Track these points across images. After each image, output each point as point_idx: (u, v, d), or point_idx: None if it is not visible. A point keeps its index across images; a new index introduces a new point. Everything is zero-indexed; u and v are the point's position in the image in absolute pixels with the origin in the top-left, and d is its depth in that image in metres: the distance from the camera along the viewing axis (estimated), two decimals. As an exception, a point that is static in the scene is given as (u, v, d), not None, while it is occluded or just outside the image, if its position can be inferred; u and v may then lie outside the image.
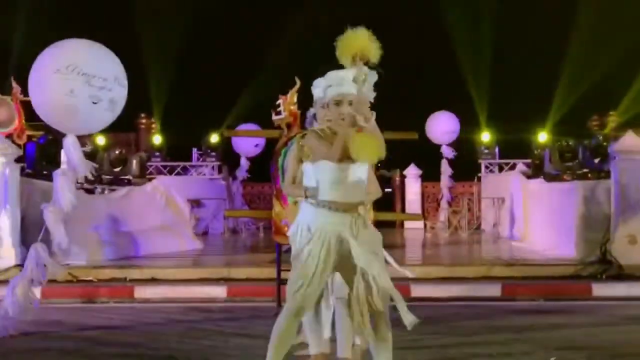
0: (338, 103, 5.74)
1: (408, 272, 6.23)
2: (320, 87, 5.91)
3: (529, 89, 27.26)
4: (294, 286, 5.69)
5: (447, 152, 22.38)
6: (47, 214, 8.87)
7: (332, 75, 5.81)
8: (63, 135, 8.89)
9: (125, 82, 8.74)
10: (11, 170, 12.63)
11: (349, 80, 5.68)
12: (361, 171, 5.75)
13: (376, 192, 6.12)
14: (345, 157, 5.62)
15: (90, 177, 9.79)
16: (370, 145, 5.57)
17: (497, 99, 26.40)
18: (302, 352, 6.92)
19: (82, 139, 16.17)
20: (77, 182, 14.97)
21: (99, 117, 8.63)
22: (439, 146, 22.55)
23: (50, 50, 8.61)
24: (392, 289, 5.63)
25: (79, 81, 8.25)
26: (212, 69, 28.09)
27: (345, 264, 5.70)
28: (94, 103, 8.38)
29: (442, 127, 22.33)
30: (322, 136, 5.75)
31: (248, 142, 22.75)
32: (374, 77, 5.86)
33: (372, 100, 6.31)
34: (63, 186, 8.86)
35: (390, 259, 6.01)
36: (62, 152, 8.98)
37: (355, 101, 5.66)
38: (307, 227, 5.77)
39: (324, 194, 5.76)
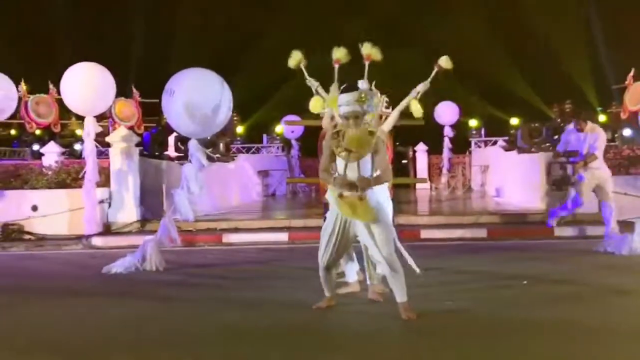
0: (347, 117, 5.75)
1: (415, 268, 6.24)
2: (340, 104, 5.82)
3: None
4: (323, 254, 5.89)
5: (448, 132, 21.85)
6: (176, 195, 9.15)
7: (343, 97, 5.80)
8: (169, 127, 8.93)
9: None
10: (133, 152, 12.71)
11: (353, 101, 5.70)
12: (365, 163, 5.69)
13: (386, 177, 5.91)
14: (352, 154, 5.66)
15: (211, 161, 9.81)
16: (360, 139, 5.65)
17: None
18: (342, 279, 6.88)
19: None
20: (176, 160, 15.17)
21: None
22: (442, 127, 21.84)
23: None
24: (387, 255, 5.65)
25: None
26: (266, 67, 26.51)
27: (358, 231, 5.81)
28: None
29: (448, 113, 21.38)
30: (337, 137, 5.74)
31: (287, 130, 22.55)
32: (373, 96, 5.98)
33: (381, 112, 6.66)
34: (190, 176, 9.11)
35: (405, 254, 6.15)
36: (170, 140, 9.01)
37: (360, 115, 5.71)
38: (327, 208, 6.00)
39: None
